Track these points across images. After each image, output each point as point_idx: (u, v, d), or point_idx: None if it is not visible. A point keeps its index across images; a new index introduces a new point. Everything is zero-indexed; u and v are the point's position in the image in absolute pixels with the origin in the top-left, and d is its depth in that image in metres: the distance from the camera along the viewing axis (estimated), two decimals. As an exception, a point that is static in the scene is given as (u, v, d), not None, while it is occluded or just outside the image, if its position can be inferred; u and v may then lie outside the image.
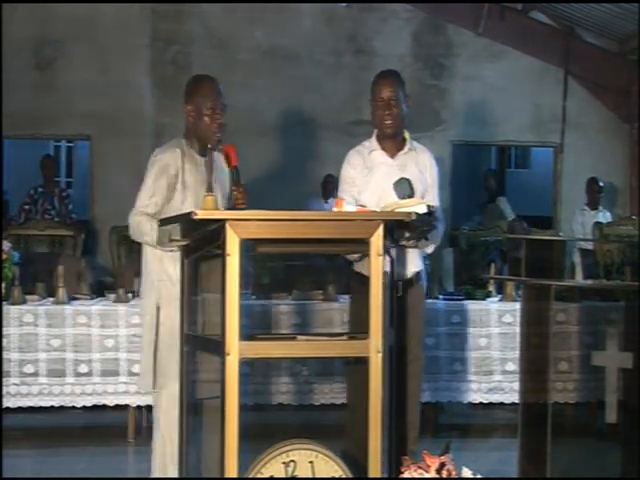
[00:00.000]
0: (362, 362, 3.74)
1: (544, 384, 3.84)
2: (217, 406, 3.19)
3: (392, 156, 4.33)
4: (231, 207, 3.97)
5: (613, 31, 10.11)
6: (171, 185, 3.96)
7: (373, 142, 4.36)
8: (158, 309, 3.97)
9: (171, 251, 3.79)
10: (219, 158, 4.09)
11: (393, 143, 4.34)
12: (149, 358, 3.98)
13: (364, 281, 4.15)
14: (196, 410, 3.75)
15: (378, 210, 3.90)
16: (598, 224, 8.19)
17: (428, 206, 3.82)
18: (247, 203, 3.84)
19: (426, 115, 10.16)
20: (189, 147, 4.05)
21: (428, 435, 5.80)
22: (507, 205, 10.30)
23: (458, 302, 5.88)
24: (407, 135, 4.38)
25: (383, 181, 4.24)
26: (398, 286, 4.13)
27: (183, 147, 4.03)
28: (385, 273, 3.34)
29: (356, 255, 4.17)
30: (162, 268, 3.97)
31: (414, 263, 4.31)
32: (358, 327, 4.10)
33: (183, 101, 4.08)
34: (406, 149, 4.34)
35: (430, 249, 4.35)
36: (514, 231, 7.59)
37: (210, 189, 3.60)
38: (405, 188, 3.99)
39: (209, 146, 3.97)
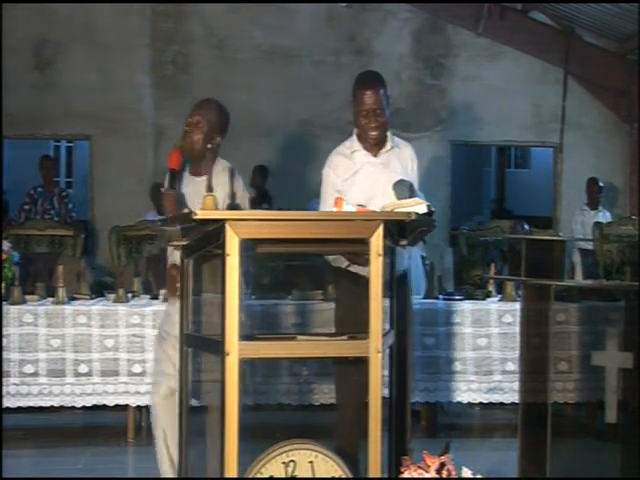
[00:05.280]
0: (352, 362, 3.75)
1: (544, 384, 3.84)
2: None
3: (375, 155, 4.30)
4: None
5: (613, 31, 10.11)
6: None
7: (354, 142, 4.32)
8: None
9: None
10: (223, 173, 4.11)
11: (375, 142, 4.30)
12: None
13: (362, 281, 4.17)
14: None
15: (378, 210, 3.89)
16: (598, 224, 8.18)
17: (428, 206, 3.80)
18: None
19: (426, 115, 10.18)
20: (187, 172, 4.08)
21: (428, 435, 5.80)
22: None
23: (458, 302, 5.88)
24: (388, 132, 4.34)
25: (368, 181, 4.21)
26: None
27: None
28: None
29: (346, 263, 4.15)
30: None
31: (399, 263, 4.29)
32: (343, 327, 4.11)
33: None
34: (388, 147, 4.31)
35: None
36: (514, 231, 7.58)
37: (210, 189, 3.60)
38: (404, 190, 3.97)
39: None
